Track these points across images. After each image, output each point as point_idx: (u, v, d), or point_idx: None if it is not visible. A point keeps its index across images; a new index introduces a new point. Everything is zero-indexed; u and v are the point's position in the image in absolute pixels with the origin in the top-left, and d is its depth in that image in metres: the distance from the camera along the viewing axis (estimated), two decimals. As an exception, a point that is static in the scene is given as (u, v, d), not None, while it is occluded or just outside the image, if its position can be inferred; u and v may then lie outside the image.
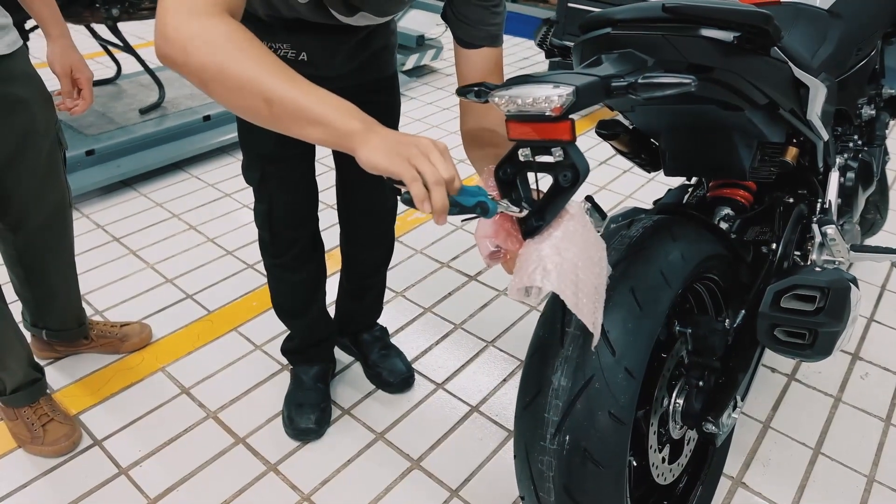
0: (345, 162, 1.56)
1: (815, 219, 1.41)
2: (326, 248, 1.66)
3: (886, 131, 1.82)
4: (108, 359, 1.90)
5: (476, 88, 0.96)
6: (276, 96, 0.81)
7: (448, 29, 1.20)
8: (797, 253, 1.44)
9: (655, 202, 1.58)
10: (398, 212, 1.70)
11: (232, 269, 2.31)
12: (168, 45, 0.81)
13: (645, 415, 1.21)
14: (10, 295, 1.64)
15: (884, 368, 1.93)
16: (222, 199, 2.76)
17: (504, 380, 1.87)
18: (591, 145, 3.23)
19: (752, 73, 1.11)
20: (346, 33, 1.30)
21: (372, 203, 1.62)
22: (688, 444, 1.38)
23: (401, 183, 0.82)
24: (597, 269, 0.92)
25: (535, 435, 1.01)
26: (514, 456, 1.07)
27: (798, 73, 1.18)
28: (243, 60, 0.81)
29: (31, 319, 1.80)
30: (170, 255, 2.38)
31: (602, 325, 0.98)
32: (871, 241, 2.32)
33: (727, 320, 1.33)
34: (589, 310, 0.90)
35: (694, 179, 1.64)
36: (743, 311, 1.32)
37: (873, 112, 1.74)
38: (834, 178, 1.49)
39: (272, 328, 2.00)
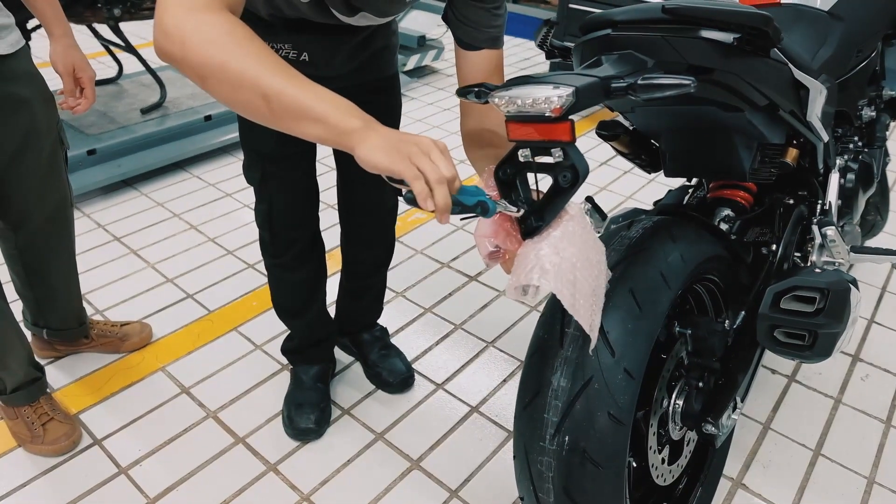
0: (345, 161, 1.56)
1: (815, 220, 1.41)
2: (327, 248, 1.67)
3: (887, 133, 1.82)
4: (108, 358, 1.90)
5: (476, 89, 0.96)
6: (274, 93, 0.81)
7: (449, 30, 1.20)
8: (797, 254, 1.44)
9: (656, 203, 1.58)
10: (398, 212, 1.70)
11: (232, 268, 2.31)
12: (167, 40, 0.81)
13: (644, 416, 1.21)
14: (11, 294, 1.64)
15: (884, 370, 1.93)
16: (223, 198, 2.77)
17: (504, 380, 1.87)
18: (591, 146, 3.23)
19: (752, 74, 1.11)
20: (347, 33, 1.30)
21: (372, 203, 1.63)
22: (687, 445, 1.38)
23: (400, 182, 0.82)
24: (595, 271, 0.93)
25: (534, 435, 1.01)
26: (514, 456, 1.07)
27: (798, 74, 1.18)
28: (242, 57, 0.81)
29: (32, 318, 1.80)
30: (170, 254, 2.38)
31: (602, 326, 0.98)
32: (871, 243, 2.32)
33: (727, 321, 1.33)
34: (586, 311, 0.90)
35: (694, 180, 1.64)
36: (743, 313, 1.32)
37: (873, 114, 1.74)
38: (834, 179, 1.49)
39: (272, 328, 2.01)
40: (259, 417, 1.73)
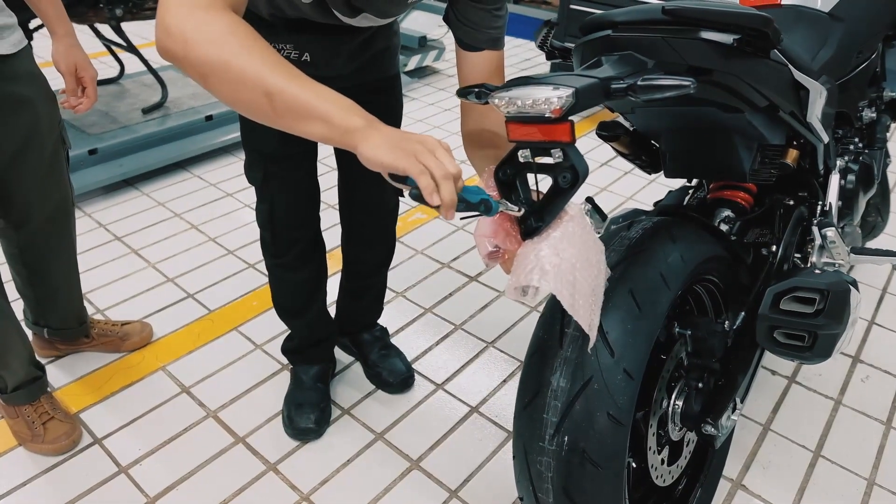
0: (347, 162, 1.57)
1: (815, 221, 1.41)
2: (327, 248, 1.67)
3: (887, 134, 1.82)
4: (108, 357, 1.90)
5: (476, 90, 0.97)
6: (277, 91, 0.81)
7: (450, 30, 1.20)
8: (797, 255, 1.44)
9: (656, 204, 1.58)
10: (399, 212, 1.71)
11: (233, 268, 2.32)
12: (169, 38, 0.81)
13: (644, 416, 1.21)
14: (12, 293, 1.64)
15: (884, 371, 1.93)
16: (224, 198, 2.77)
17: (504, 381, 1.87)
18: (592, 147, 3.24)
19: (752, 75, 1.11)
20: (348, 34, 1.30)
21: (373, 203, 1.63)
22: (687, 445, 1.38)
23: (403, 181, 0.82)
24: (594, 271, 0.93)
25: (533, 435, 1.01)
26: (513, 456, 1.07)
27: (798, 75, 1.18)
28: (245, 55, 0.81)
29: (33, 318, 1.80)
30: (171, 254, 2.38)
31: (601, 326, 0.98)
32: (872, 244, 2.32)
33: (727, 322, 1.33)
34: (585, 311, 0.90)
35: (694, 181, 1.64)
36: (742, 313, 1.32)
37: (874, 115, 1.74)
38: (834, 180, 1.49)
39: (272, 328, 2.01)
40: (259, 417, 1.73)
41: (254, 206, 1.55)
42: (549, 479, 1.01)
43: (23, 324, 1.64)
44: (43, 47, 1.80)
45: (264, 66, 0.81)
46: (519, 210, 0.92)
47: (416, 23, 4.15)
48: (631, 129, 1.48)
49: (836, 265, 1.40)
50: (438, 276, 2.31)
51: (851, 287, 1.17)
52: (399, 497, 1.54)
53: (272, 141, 1.39)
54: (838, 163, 1.57)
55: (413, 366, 1.89)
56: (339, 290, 1.83)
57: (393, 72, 1.49)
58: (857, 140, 1.69)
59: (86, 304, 1.90)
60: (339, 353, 1.91)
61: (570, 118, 0.87)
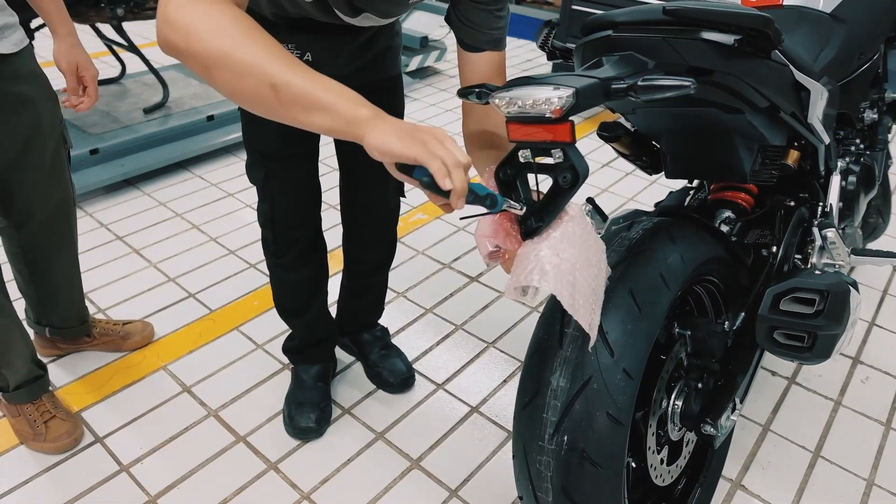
0: (349, 162, 1.57)
1: (815, 222, 1.41)
2: (329, 248, 1.67)
3: (889, 135, 1.82)
4: (110, 357, 1.90)
5: (477, 90, 0.97)
6: (282, 82, 0.80)
7: (452, 31, 1.20)
8: (797, 256, 1.44)
9: (657, 204, 1.58)
10: (400, 213, 1.71)
11: (234, 268, 2.32)
12: (171, 29, 0.80)
13: (644, 416, 1.21)
14: (14, 292, 1.64)
15: (884, 372, 1.93)
16: (225, 198, 2.77)
17: (504, 381, 1.87)
18: (593, 148, 3.24)
19: (753, 76, 1.11)
20: (350, 34, 1.31)
21: (375, 203, 1.63)
22: (686, 445, 1.38)
23: (408, 173, 0.81)
24: (595, 271, 0.93)
25: (533, 435, 1.02)
26: (513, 456, 1.08)
27: (799, 76, 1.18)
28: (249, 45, 0.80)
29: (35, 317, 1.81)
30: (172, 253, 2.39)
31: (601, 326, 0.98)
32: (873, 246, 2.32)
33: (726, 323, 1.33)
34: (586, 311, 0.90)
35: (695, 182, 1.64)
36: (742, 314, 1.32)
37: (876, 116, 1.74)
38: (835, 181, 1.49)
39: (273, 327, 2.01)
40: (260, 416, 1.74)
41: (255, 206, 1.55)
42: (548, 479, 1.01)
43: (24, 323, 1.64)
44: (44, 47, 1.80)
45: (269, 57, 0.80)
46: (521, 208, 0.92)
47: (418, 23, 4.16)
48: (632, 129, 1.48)
49: (837, 266, 1.40)
50: (439, 277, 2.31)
51: (851, 288, 1.17)
52: (399, 496, 1.54)
53: (273, 141, 1.40)
54: (839, 164, 1.57)
55: (413, 366, 1.89)
56: (340, 290, 1.83)
57: (395, 72, 1.49)
58: (858, 141, 1.69)
59: (87, 303, 1.91)
60: (339, 352, 1.91)
61: (570, 118, 0.87)
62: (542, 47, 1.44)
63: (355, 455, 1.64)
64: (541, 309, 1.79)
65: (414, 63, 4.04)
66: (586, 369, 0.98)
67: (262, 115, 0.85)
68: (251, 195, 2.66)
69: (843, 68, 1.49)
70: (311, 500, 1.53)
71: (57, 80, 1.52)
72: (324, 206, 1.60)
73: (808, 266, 1.42)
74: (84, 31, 2.22)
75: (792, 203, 1.47)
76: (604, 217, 1.49)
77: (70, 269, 1.75)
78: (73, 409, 1.73)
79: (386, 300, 1.88)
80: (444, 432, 1.70)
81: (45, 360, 1.79)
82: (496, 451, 1.66)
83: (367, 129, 0.81)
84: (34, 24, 2.78)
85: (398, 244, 1.81)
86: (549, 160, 0.91)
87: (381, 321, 1.91)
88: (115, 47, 3.26)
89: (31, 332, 1.74)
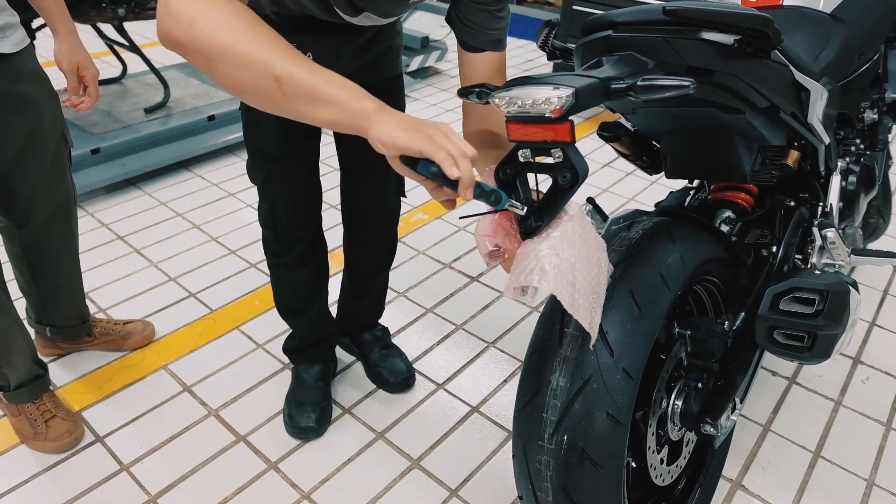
0: (350, 162, 1.57)
1: (815, 222, 1.41)
2: (329, 248, 1.67)
3: (889, 135, 1.82)
4: (110, 356, 1.91)
5: (477, 90, 0.97)
6: (286, 74, 0.79)
7: (452, 31, 1.20)
8: (798, 256, 1.44)
9: (657, 204, 1.58)
10: (401, 213, 1.71)
11: (234, 268, 2.32)
12: (172, 22, 0.79)
13: (643, 416, 1.21)
14: (15, 291, 1.65)
15: (885, 373, 1.93)
16: (226, 198, 2.77)
17: (504, 380, 1.87)
18: (593, 148, 3.24)
19: (753, 76, 1.11)
20: (351, 33, 1.31)
21: (375, 204, 1.63)
22: (686, 445, 1.39)
23: (412, 167, 0.81)
24: (595, 270, 0.93)
25: (533, 435, 1.02)
26: (513, 455, 1.08)
27: (799, 76, 1.18)
28: (252, 37, 0.79)
29: (36, 316, 1.81)
30: (173, 253, 2.39)
31: (601, 326, 0.98)
32: (873, 246, 2.32)
33: (726, 323, 1.33)
34: (586, 310, 0.90)
35: (696, 182, 1.64)
36: (742, 314, 1.32)
37: (876, 116, 1.74)
38: (835, 181, 1.49)
39: (274, 327, 2.01)
40: (260, 416, 1.74)
41: (256, 205, 1.55)
42: (548, 478, 1.01)
43: (25, 322, 1.64)
44: (45, 46, 1.81)
45: (273, 50, 0.80)
46: (522, 208, 0.92)
47: (419, 23, 4.16)
48: (632, 129, 1.48)
49: (837, 266, 1.40)
50: (439, 277, 2.31)
51: (851, 288, 1.17)
52: (399, 496, 1.54)
53: (274, 141, 1.40)
54: (839, 164, 1.57)
55: (414, 365, 1.89)
56: (341, 290, 1.84)
57: (396, 72, 1.49)
58: (858, 141, 1.69)
59: (88, 302, 1.91)
60: (340, 352, 1.91)
61: (570, 118, 0.87)
62: (542, 47, 1.44)
63: (355, 455, 1.64)
64: (541, 309, 1.79)
65: (415, 63, 4.04)
66: (586, 369, 0.98)
67: (264, 109, 0.85)
68: (252, 195, 2.66)
69: (843, 68, 1.49)
70: (311, 499, 1.53)
71: (58, 80, 1.53)
72: (324, 206, 1.61)
73: (808, 266, 1.42)
74: (85, 31, 2.23)
75: (792, 203, 1.47)
76: (604, 217, 1.49)
77: (71, 269, 1.76)
78: (74, 409, 1.73)
79: (386, 300, 1.88)
80: (444, 432, 1.71)
81: (45, 359, 1.79)
82: (496, 450, 1.66)
83: (372, 122, 0.81)
84: (35, 23, 2.79)
85: (398, 244, 1.81)
86: (548, 160, 0.91)
87: (382, 321, 1.91)
88: (116, 47, 3.26)
89: (31, 331, 1.74)
